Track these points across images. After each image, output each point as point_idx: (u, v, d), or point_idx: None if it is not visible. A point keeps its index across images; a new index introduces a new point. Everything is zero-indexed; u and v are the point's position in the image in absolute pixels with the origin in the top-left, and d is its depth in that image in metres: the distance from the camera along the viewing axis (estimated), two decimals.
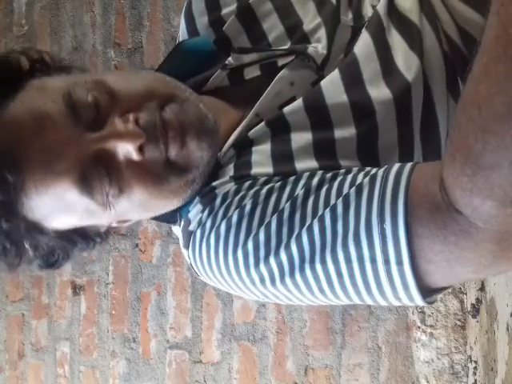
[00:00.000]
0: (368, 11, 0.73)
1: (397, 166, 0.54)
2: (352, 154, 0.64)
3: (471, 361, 1.72)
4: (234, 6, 0.78)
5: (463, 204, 0.45)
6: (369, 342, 1.92)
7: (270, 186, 0.59)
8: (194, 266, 0.66)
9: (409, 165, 0.53)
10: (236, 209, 0.59)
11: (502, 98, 0.37)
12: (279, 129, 0.66)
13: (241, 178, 0.63)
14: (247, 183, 0.61)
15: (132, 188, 0.62)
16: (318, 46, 0.71)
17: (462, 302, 1.79)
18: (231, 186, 0.62)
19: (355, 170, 0.58)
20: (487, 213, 0.43)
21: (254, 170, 0.63)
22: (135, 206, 0.64)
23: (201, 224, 0.62)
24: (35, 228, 0.64)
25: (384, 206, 0.51)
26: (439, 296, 0.56)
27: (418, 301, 0.53)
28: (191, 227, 0.64)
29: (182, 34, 0.83)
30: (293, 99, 0.69)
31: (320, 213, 0.54)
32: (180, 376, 2.16)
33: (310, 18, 0.74)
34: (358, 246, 0.52)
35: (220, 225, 0.60)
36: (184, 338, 2.16)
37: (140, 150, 0.60)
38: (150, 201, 0.64)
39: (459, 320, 1.78)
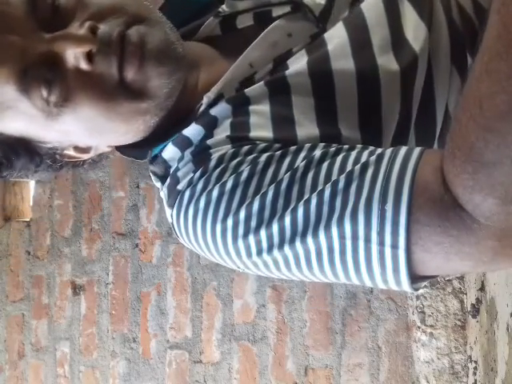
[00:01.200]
0: None
1: (405, 148, 0.53)
2: (354, 125, 0.62)
3: (471, 361, 1.72)
4: None
5: (465, 201, 0.45)
6: (369, 342, 1.92)
7: (269, 154, 0.57)
8: (175, 226, 0.62)
9: (418, 149, 0.52)
10: (231, 175, 0.56)
11: (504, 97, 0.37)
12: (279, 90, 0.62)
13: (238, 139, 0.60)
14: (246, 148, 0.58)
15: (76, 99, 0.58)
16: None
17: (462, 302, 1.79)
18: (228, 149, 0.59)
19: (359, 147, 0.56)
20: (489, 210, 0.43)
21: (253, 133, 0.60)
22: (81, 123, 0.61)
23: (191, 185, 0.59)
24: None
25: (388, 187, 0.49)
26: (425, 283, 0.55)
27: (406, 286, 0.52)
28: (180, 186, 0.61)
29: None
30: (289, 52, 0.66)
31: (320, 187, 0.52)
32: (180, 376, 2.16)
33: None
34: (354, 223, 0.50)
35: (212, 189, 0.57)
36: (184, 338, 2.16)
37: (89, 58, 0.56)
38: (96, 119, 0.60)
39: (459, 320, 1.78)
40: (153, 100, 0.60)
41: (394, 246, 0.49)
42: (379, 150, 0.53)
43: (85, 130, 0.62)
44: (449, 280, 1.81)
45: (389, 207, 0.49)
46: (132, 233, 2.26)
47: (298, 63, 0.64)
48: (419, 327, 1.81)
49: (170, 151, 0.65)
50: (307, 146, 0.57)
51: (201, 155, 0.61)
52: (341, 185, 0.51)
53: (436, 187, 0.48)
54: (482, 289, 1.62)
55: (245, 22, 0.70)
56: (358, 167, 0.52)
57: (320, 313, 1.98)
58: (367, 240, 0.50)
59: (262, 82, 0.63)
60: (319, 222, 0.52)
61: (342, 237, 0.51)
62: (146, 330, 2.22)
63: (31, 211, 2.43)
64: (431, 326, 1.80)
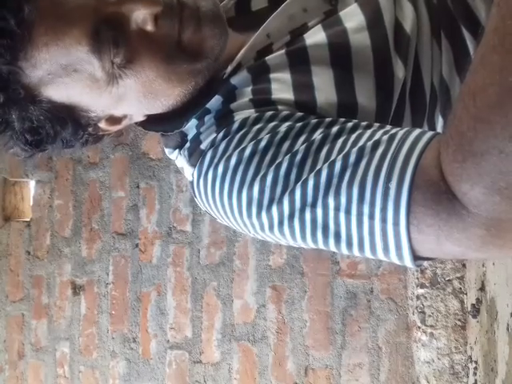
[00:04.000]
0: None
1: (418, 131, 0.55)
2: (370, 93, 0.65)
3: (471, 361, 1.72)
4: None
5: (455, 188, 0.46)
6: (369, 342, 1.92)
7: (289, 124, 0.59)
8: (194, 186, 0.65)
9: (429, 134, 0.54)
10: (251, 141, 0.59)
11: (495, 88, 0.38)
12: (299, 60, 0.65)
13: (260, 103, 0.62)
14: (268, 114, 0.60)
15: (140, 60, 0.60)
16: None
17: (462, 301, 1.78)
18: (251, 113, 0.61)
19: (376, 125, 0.58)
20: (476, 199, 0.44)
21: (275, 96, 0.62)
22: (139, 86, 0.62)
23: (214, 145, 0.62)
24: (29, 94, 0.60)
25: (394, 166, 0.51)
26: (425, 262, 0.56)
27: (408, 262, 0.54)
28: (203, 146, 0.63)
29: None
30: (304, 25, 0.69)
31: (332, 158, 0.54)
32: (180, 376, 2.16)
33: None
34: (360, 197, 0.52)
35: (231, 155, 0.59)
36: (184, 338, 2.16)
37: (155, 20, 0.59)
38: (155, 81, 0.62)
39: (459, 320, 1.78)
40: (206, 60, 0.63)
41: (396, 224, 0.51)
42: (393, 130, 0.56)
43: (141, 93, 0.63)
44: (449, 280, 1.80)
45: (392, 185, 0.51)
46: (132, 233, 2.26)
47: (317, 36, 0.67)
48: (419, 327, 1.81)
49: (192, 123, 0.67)
50: (327, 120, 0.59)
51: (224, 117, 0.63)
52: (351, 159, 0.53)
53: (434, 172, 0.49)
54: (482, 289, 1.61)
55: (259, 4, 0.73)
56: (370, 144, 0.54)
57: (320, 313, 1.98)
58: (371, 217, 0.52)
59: (282, 51, 0.66)
60: (328, 190, 0.54)
61: (348, 212, 0.53)
62: (146, 330, 2.22)
63: (31, 211, 2.43)
64: (431, 326, 1.79)
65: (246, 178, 0.58)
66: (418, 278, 1.82)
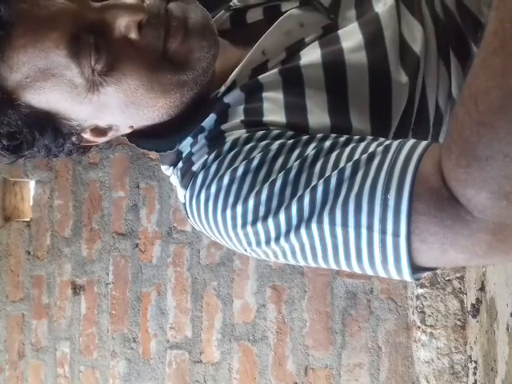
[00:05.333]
0: None
1: (412, 141, 0.54)
2: (365, 117, 0.64)
3: (471, 361, 1.72)
4: None
5: (459, 194, 0.46)
6: (369, 341, 1.92)
7: (281, 141, 0.58)
8: (187, 208, 0.63)
9: (424, 142, 0.53)
10: (243, 160, 0.57)
11: (497, 92, 0.38)
12: (293, 80, 0.64)
13: (252, 124, 0.61)
14: (259, 133, 0.59)
15: (122, 68, 0.58)
16: None
17: (462, 302, 1.79)
18: (242, 133, 0.60)
19: (369, 138, 0.57)
20: (481, 204, 0.44)
21: (266, 118, 0.61)
22: (121, 95, 0.60)
23: (205, 167, 0.60)
24: (7, 97, 0.58)
25: (392, 176, 0.50)
26: (425, 274, 0.55)
27: (406, 275, 0.53)
28: (194, 168, 0.62)
29: None
30: (302, 41, 0.67)
31: (327, 174, 0.53)
32: (180, 376, 2.16)
33: None
34: (357, 210, 0.51)
35: (224, 175, 0.58)
36: (184, 338, 2.16)
37: (139, 28, 0.57)
38: (137, 90, 0.60)
39: (459, 320, 1.78)
40: (192, 72, 0.61)
41: (396, 235, 0.50)
42: (387, 142, 0.55)
43: (123, 103, 0.62)
44: (449, 280, 1.81)
45: (391, 196, 0.50)
46: (132, 233, 2.26)
47: (312, 55, 0.65)
48: (419, 327, 1.81)
49: (185, 141, 0.66)
50: (318, 136, 0.58)
51: (215, 138, 0.62)
52: (347, 173, 0.52)
53: (435, 179, 0.48)
54: (482, 289, 1.62)
55: (255, 16, 0.71)
56: (364, 157, 0.53)
57: (320, 313, 1.98)
58: (369, 227, 0.51)
59: (275, 70, 0.65)
60: (324, 207, 0.53)
61: (344, 224, 0.52)
62: (146, 330, 2.22)
63: (31, 211, 2.43)
64: (431, 326, 1.80)
65: (240, 195, 0.56)
66: None
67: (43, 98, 0.60)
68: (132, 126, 0.68)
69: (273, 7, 0.71)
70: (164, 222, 2.21)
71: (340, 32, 0.67)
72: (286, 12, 0.69)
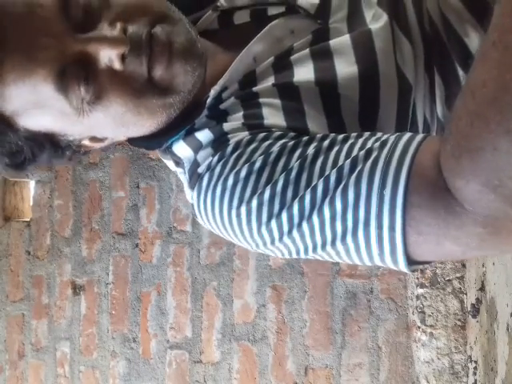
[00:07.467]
0: None
1: (408, 134, 0.55)
2: (356, 125, 0.66)
3: (471, 361, 1.72)
4: None
5: (450, 184, 0.46)
6: (369, 341, 1.92)
7: (283, 142, 0.59)
8: (195, 208, 0.66)
9: (420, 135, 0.54)
10: (246, 162, 0.59)
11: (493, 84, 0.38)
12: (289, 94, 0.66)
13: (254, 127, 0.63)
14: (262, 134, 0.61)
15: (109, 97, 0.61)
16: None
17: (462, 301, 1.79)
18: (245, 135, 0.62)
19: (366, 134, 0.58)
20: (471, 196, 0.44)
21: (267, 121, 0.63)
22: (109, 119, 0.63)
23: (209, 169, 0.63)
24: (5, 122, 0.62)
25: (388, 171, 0.51)
26: (421, 266, 0.56)
27: (402, 267, 0.54)
28: (200, 169, 0.64)
29: None
30: (291, 48, 0.69)
31: (327, 173, 0.55)
32: (180, 376, 2.16)
33: None
34: (355, 208, 0.52)
35: (228, 177, 0.60)
36: (184, 338, 2.16)
37: (122, 59, 0.59)
38: (125, 115, 0.63)
39: (459, 320, 1.78)
40: (178, 95, 0.63)
41: (392, 228, 0.51)
42: (384, 137, 0.56)
43: (112, 124, 0.65)
44: (449, 280, 1.81)
45: (387, 192, 0.51)
46: (132, 233, 2.26)
47: (305, 68, 0.67)
48: (419, 327, 1.81)
49: (182, 148, 0.68)
50: (318, 136, 0.59)
51: (219, 140, 0.64)
52: (346, 170, 0.54)
53: (431, 170, 0.49)
54: (482, 289, 1.62)
55: (242, 18, 0.73)
56: (362, 153, 0.54)
57: (320, 313, 1.98)
58: (366, 223, 0.52)
59: (270, 84, 0.66)
60: (323, 203, 0.54)
61: (343, 219, 0.54)
62: (146, 330, 2.22)
63: (31, 211, 2.43)
64: (431, 326, 1.80)
65: (243, 196, 0.59)
66: (417, 278, 1.82)
67: (38, 123, 0.63)
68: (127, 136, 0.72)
69: (259, 10, 0.72)
70: (164, 222, 2.21)
71: (331, 43, 0.68)
72: (272, 16, 0.71)
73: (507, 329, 1.36)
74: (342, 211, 0.53)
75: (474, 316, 1.68)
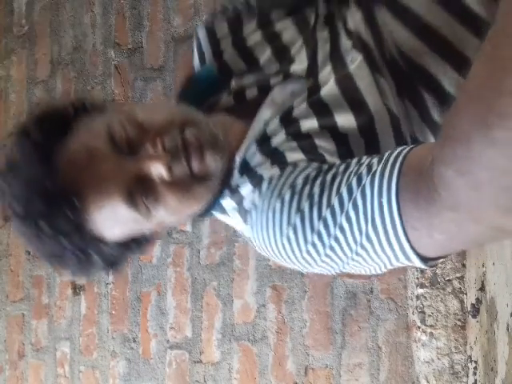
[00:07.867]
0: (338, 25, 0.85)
1: (402, 147, 0.61)
2: (361, 149, 0.77)
3: (471, 361, 1.72)
4: (229, 39, 0.94)
5: (436, 172, 0.49)
6: (369, 341, 1.92)
7: (306, 173, 0.71)
8: (252, 240, 0.79)
9: (410, 146, 0.60)
10: (277, 197, 0.72)
11: (477, 79, 0.43)
12: (303, 139, 0.78)
13: (280, 164, 0.76)
14: (289, 169, 0.74)
15: (166, 200, 0.76)
16: (298, 64, 0.85)
17: (462, 301, 1.79)
18: (276, 172, 0.75)
19: (374, 155, 0.66)
20: (446, 179, 0.48)
21: (290, 158, 0.76)
22: (170, 213, 0.79)
23: (254, 205, 0.77)
24: (99, 240, 0.79)
25: (382, 181, 0.58)
26: (438, 262, 0.63)
27: (417, 263, 0.60)
28: (246, 206, 0.79)
29: (195, 60, 1.01)
30: (290, 108, 0.81)
31: (340, 191, 0.64)
32: (180, 376, 2.16)
33: (293, 40, 0.88)
34: (365, 220, 0.60)
35: (268, 210, 0.73)
36: (184, 338, 2.16)
37: (169, 169, 0.74)
38: (181, 207, 0.79)
39: (459, 320, 1.78)
40: (214, 177, 0.78)
41: (396, 234, 0.57)
42: (387, 153, 0.63)
43: (173, 215, 0.81)
44: (449, 280, 1.81)
45: (384, 199, 0.57)
46: None
47: (308, 119, 0.79)
48: (419, 327, 1.81)
49: (227, 203, 0.83)
50: (337, 163, 0.70)
51: (255, 179, 0.78)
52: (354, 186, 0.62)
53: (417, 168, 0.54)
54: (482, 289, 1.62)
55: (252, 93, 0.88)
56: (365, 169, 0.63)
57: (320, 313, 1.98)
58: (374, 228, 0.60)
59: (284, 137, 0.80)
60: (341, 215, 0.64)
61: (359, 228, 0.62)
62: (146, 330, 2.22)
63: None
64: (431, 326, 1.80)
65: (282, 226, 0.71)
66: (417, 278, 1.82)
67: (121, 233, 0.81)
68: None
69: (264, 84, 0.86)
70: None
71: (322, 94, 0.79)
72: (273, 85, 0.84)
73: (507, 329, 1.36)
74: (356, 221, 0.61)
75: (474, 316, 1.68)
